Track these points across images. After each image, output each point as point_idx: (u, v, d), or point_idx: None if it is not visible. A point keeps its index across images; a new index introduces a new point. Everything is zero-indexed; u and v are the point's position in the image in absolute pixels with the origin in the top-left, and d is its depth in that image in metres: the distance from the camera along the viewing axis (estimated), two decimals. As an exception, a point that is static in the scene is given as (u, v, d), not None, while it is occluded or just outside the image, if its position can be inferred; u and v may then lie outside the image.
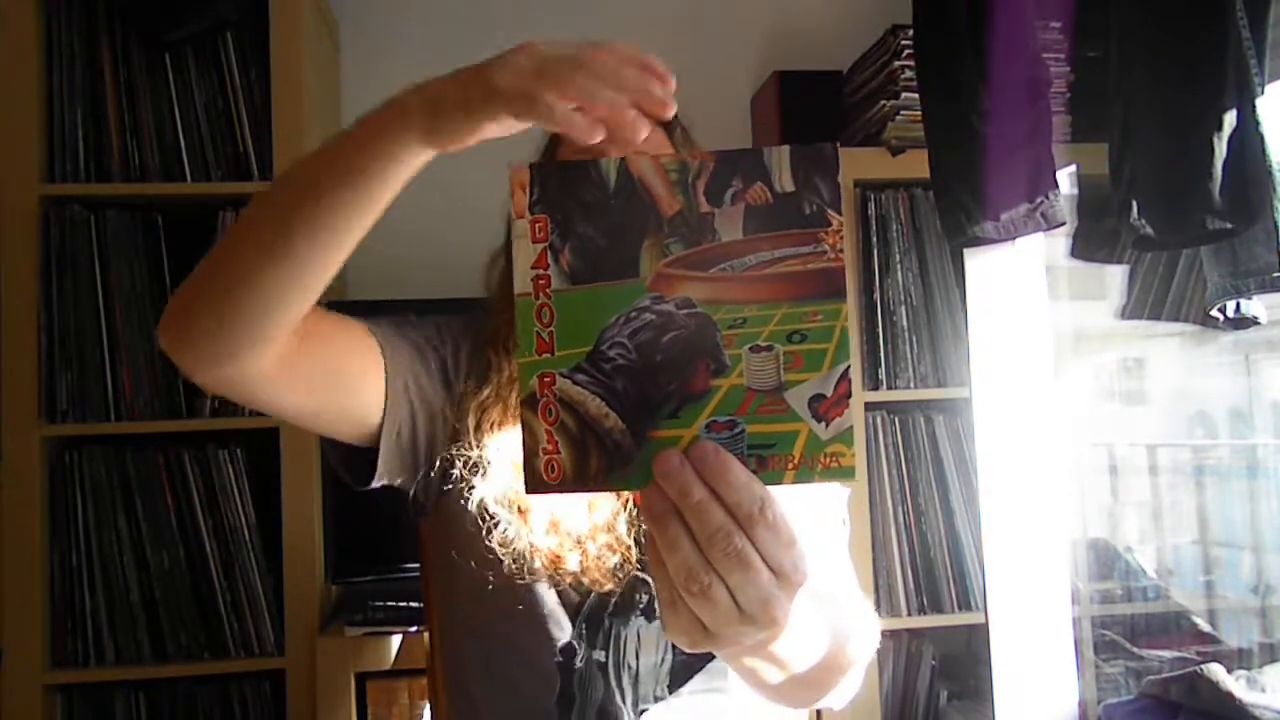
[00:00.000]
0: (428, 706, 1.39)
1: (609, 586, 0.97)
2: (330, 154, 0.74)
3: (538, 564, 0.96)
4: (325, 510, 1.78)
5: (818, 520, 0.97)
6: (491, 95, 0.64)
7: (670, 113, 0.62)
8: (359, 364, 0.94)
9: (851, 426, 0.51)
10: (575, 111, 0.62)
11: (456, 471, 0.97)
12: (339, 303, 1.95)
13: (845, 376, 0.51)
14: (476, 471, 0.96)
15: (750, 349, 0.51)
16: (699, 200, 0.52)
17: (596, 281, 0.52)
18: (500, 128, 0.67)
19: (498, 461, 0.97)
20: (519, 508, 0.96)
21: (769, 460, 0.51)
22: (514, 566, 0.96)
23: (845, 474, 0.51)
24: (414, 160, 0.72)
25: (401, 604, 1.71)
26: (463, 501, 0.97)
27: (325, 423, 0.96)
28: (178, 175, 1.76)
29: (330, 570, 1.81)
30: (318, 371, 0.89)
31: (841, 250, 0.51)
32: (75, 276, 1.71)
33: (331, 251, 0.76)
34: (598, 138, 0.61)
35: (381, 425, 0.96)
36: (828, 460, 0.51)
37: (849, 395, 0.51)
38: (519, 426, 0.96)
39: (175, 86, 1.76)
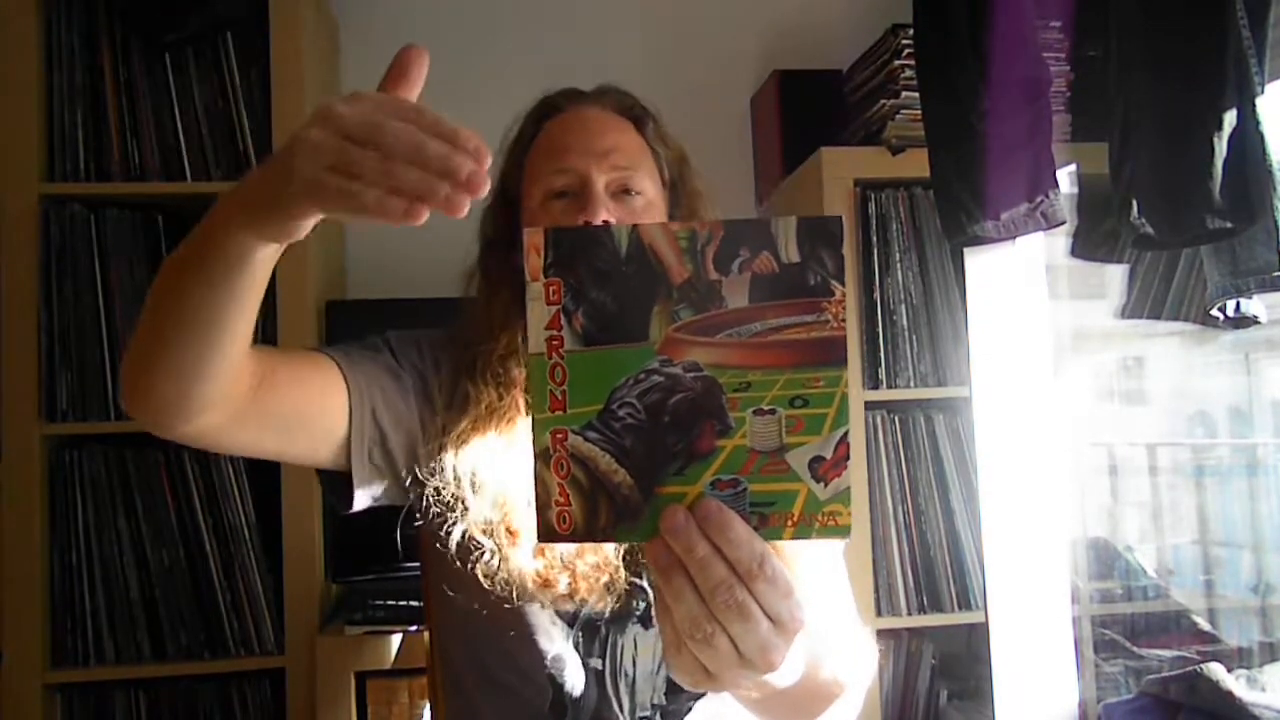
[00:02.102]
0: (428, 706, 1.38)
1: (600, 606, 0.98)
2: (184, 255, 0.73)
3: (528, 585, 0.97)
4: (325, 509, 1.78)
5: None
6: (296, 191, 0.59)
7: (482, 192, 0.56)
8: (322, 399, 0.95)
9: (849, 488, 0.54)
10: (388, 196, 0.56)
11: (437, 509, 0.98)
12: (339, 303, 1.96)
13: (844, 440, 0.54)
14: (455, 508, 0.97)
15: (754, 412, 0.54)
16: (707, 268, 0.55)
17: (608, 344, 0.55)
18: (314, 220, 0.63)
19: (479, 492, 0.97)
20: (508, 529, 0.97)
21: (770, 517, 0.54)
22: (502, 591, 0.97)
23: (841, 532, 0.54)
24: (257, 254, 0.69)
25: (401, 603, 1.70)
26: (444, 534, 0.97)
27: (303, 459, 0.97)
28: (178, 175, 1.76)
29: (330, 569, 1.81)
30: (281, 414, 0.90)
31: (844, 320, 0.54)
32: (75, 276, 1.71)
33: (218, 336, 0.74)
34: (417, 220, 0.57)
35: (350, 451, 0.97)
36: (825, 519, 0.54)
37: (847, 458, 0.54)
38: (500, 459, 0.97)
39: (175, 86, 1.76)
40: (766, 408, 0.54)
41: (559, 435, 0.55)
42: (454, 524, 0.97)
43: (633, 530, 0.55)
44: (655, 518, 0.54)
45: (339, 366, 0.97)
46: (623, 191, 1.01)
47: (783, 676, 0.63)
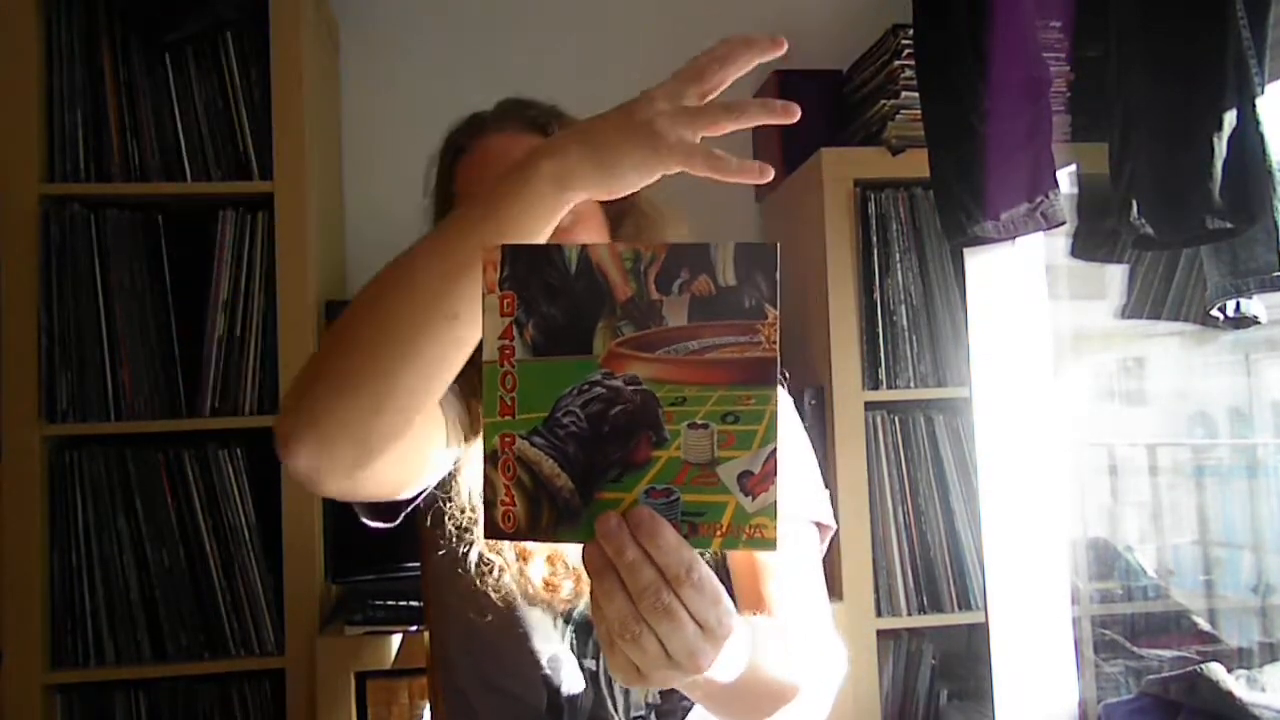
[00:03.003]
0: (427, 706, 1.39)
1: None
2: (479, 213, 0.71)
3: (532, 590, 0.98)
4: (325, 510, 1.78)
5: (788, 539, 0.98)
6: (663, 150, 0.69)
7: (781, 50, 0.77)
8: (433, 434, 0.90)
9: (775, 502, 0.56)
10: (745, 161, 0.70)
11: (448, 530, 0.98)
12: (339, 303, 1.95)
13: (772, 456, 0.57)
14: (468, 530, 0.97)
15: (688, 426, 0.57)
16: (650, 288, 0.58)
17: (555, 355, 0.58)
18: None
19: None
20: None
21: (700, 527, 0.57)
22: (509, 598, 0.98)
23: (767, 545, 0.57)
24: (565, 210, 0.72)
25: (401, 603, 1.70)
26: (459, 555, 0.98)
27: (385, 495, 0.91)
28: (178, 175, 1.76)
29: (330, 570, 1.81)
30: (413, 450, 0.85)
31: (775, 342, 0.57)
32: (75, 276, 1.70)
33: (463, 332, 0.71)
34: (767, 177, 0.72)
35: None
36: (752, 531, 0.57)
37: (775, 473, 0.57)
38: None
39: (175, 86, 1.76)
40: (700, 422, 0.57)
41: (507, 439, 0.58)
42: (470, 545, 0.98)
43: (572, 532, 0.58)
44: (592, 521, 0.57)
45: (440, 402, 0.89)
46: None
47: (720, 673, 0.65)
